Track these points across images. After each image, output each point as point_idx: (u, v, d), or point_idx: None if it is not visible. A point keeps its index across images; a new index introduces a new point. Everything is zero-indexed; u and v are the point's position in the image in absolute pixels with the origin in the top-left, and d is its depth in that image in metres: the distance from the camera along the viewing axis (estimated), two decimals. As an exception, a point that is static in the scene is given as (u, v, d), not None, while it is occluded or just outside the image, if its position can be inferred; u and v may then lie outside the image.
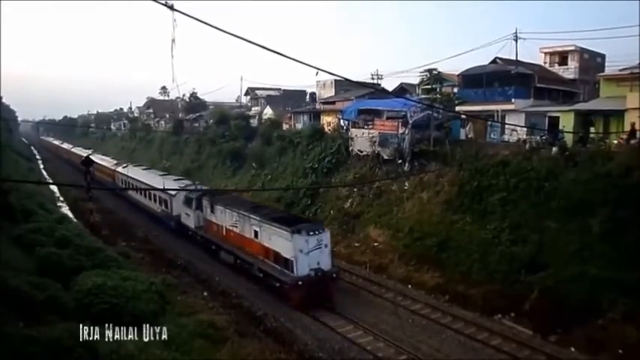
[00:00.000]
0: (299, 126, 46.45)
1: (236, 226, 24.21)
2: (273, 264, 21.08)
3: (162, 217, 33.91)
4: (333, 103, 47.01)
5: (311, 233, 19.88)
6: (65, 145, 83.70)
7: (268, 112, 55.71)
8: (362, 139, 31.93)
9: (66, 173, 63.04)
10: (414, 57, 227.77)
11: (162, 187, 30.72)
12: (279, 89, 63.35)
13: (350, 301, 20.75)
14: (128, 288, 14.61)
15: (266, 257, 21.61)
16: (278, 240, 20.72)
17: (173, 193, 30.88)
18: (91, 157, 51.52)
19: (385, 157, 30.04)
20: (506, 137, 27.89)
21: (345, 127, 36.40)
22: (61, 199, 42.70)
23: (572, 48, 34.27)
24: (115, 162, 51.56)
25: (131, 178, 42.40)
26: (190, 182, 35.71)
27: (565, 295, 17.14)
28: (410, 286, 22.10)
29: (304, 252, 19.60)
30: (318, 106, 50.39)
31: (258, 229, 22.23)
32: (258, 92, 65.06)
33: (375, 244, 26.15)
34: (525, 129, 26.48)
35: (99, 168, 49.94)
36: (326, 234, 20.66)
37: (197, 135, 58.24)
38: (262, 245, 21.86)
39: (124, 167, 46.62)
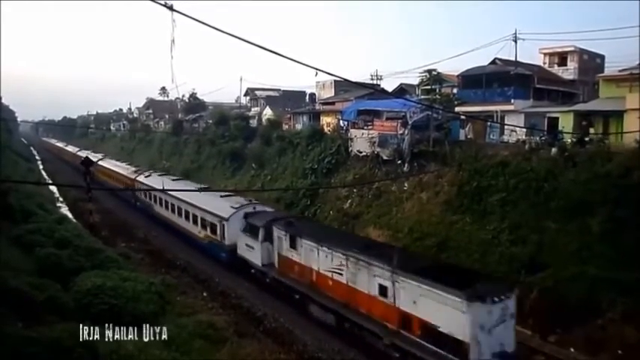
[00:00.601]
0: (298, 126, 46.51)
1: (340, 273, 17.16)
2: (422, 342, 13.81)
3: (208, 245, 26.58)
4: (333, 103, 47.12)
5: (495, 300, 12.79)
6: (70, 148, 77.74)
7: (268, 112, 55.76)
8: (361, 140, 31.95)
9: (65, 173, 63.01)
10: (413, 57, 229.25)
11: (204, 204, 25.90)
12: (279, 90, 63.45)
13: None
14: (128, 288, 14.62)
15: (405, 329, 14.45)
16: (434, 307, 13.39)
17: (226, 216, 24.44)
18: (101, 162, 50.24)
19: (385, 158, 30.05)
20: (505, 138, 27.93)
21: (344, 128, 36.43)
22: (61, 199, 42.61)
23: (572, 49, 34.29)
24: (135, 169, 44.26)
25: (160, 191, 32.56)
26: (247, 202, 25.83)
27: (564, 295, 17.17)
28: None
29: (486, 329, 12.56)
30: (317, 107, 50.50)
31: (389, 285, 14.95)
32: (258, 93, 65.15)
33: (375, 244, 26.11)
34: (525, 130, 26.52)
35: (114, 175, 46.01)
36: (512, 299, 13.46)
37: (196, 135, 58.27)
38: (398, 310, 14.64)
39: (146, 176, 39.67)
